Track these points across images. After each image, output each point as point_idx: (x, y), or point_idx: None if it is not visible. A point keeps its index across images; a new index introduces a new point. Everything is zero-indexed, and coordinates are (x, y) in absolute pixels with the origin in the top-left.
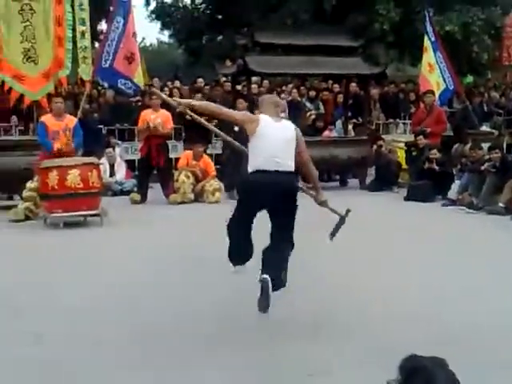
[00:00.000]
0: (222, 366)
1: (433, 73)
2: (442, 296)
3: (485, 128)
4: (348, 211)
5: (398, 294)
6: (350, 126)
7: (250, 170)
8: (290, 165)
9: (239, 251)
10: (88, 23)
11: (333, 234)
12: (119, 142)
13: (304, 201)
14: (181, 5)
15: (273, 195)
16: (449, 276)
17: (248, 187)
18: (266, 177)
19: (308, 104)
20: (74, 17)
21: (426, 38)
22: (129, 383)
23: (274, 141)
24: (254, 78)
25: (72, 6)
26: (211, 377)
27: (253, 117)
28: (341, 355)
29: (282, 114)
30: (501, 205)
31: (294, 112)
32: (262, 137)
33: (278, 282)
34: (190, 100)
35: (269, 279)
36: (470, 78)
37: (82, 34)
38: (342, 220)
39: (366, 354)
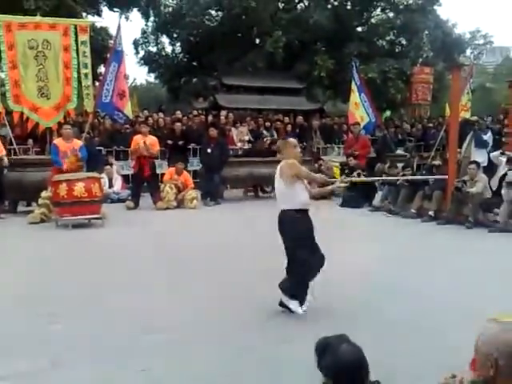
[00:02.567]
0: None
1: (358, 109)
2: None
3: (399, 151)
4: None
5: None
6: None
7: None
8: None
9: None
10: (90, 67)
11: None
12: (115, 161)
13: None
14: (164, 53)
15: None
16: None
17: None
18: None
19: (265, 132)
20: (78, 62)
21: (353, 82)
22: None
23: None
24: (222, 112)
25: (77, 53)
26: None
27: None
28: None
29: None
30: (412, 210)
31: (254, 138)
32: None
33: (283, 288)
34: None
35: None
36: (387, 113)
37: (86, 75)
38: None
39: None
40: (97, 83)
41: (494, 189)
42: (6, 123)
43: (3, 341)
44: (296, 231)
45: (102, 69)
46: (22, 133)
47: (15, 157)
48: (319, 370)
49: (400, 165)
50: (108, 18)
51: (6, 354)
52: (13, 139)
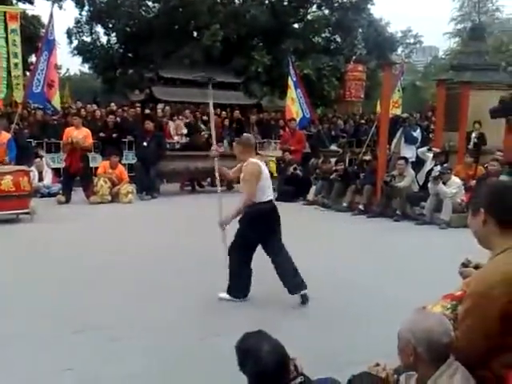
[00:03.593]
0: None
1: (294, 104)
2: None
3: (333, 147)
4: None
5: None
6: (234, 144)
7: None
8: None
9: None
10: (20, 56)
11: None
12: (45, 154)
13: None
14: (98, 44)
15: None
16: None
17: None
18: None
19: (202, 126)
20: (8, 51)
21: (289, 78)
22: None
23: None
24: (159, 105)
25: (6, 42)
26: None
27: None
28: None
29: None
30: (344, 204)
31: (191, 132)
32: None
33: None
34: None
35: None
36: (321, 109)
37: (15, 65)
38: None
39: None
40: (27, 73)
41: (420, 183)
42: None
43: None
44: None
45: (33, 58)
46: None
47: None
48: (242, 371)
49: (333, 160)
50: (40, 7)
51: None
52: None
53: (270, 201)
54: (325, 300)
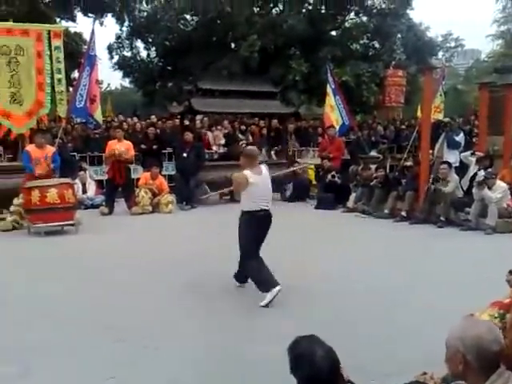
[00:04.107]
0: None
1: (333, 112)
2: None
3: (373, 153)
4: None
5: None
6: (272, 152)
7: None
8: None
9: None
10: (63, 72)
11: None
12: (88, 166)
13: None
14: (138, 58)
15: None
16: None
17: None
18: None
19: (240, 135)
20: (52, 67)
21: (327, 85)
22: None
23: None
24: (197, 116)
25: (50, 59)
26: None
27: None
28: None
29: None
30: (386, 211)
31: (230, 142)
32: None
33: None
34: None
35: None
36: (360, 116)
37: (59, 80)
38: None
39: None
40: (70, 88)
41: (464, 188)
42: None
43: None
44: None
45: (75, 74)
46: None
47: None
48: (293, 375)
49: (373, 166)
50: (82, 24)
51: None
52: None
53: (262, 210)
54: (366, 308)
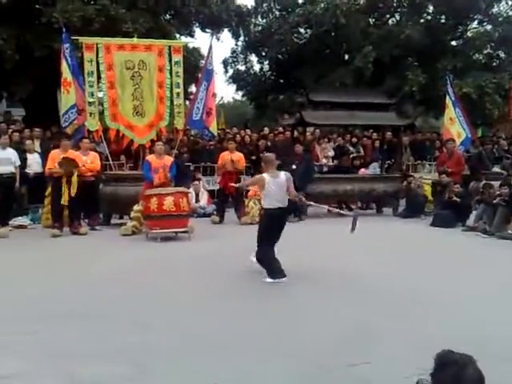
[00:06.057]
0: None
1: (453, 125)
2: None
3: (496, 169)
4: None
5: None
6: (386, 166)
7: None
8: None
9: None
10: (182, 86)
11: (353, 228)
12: (202, 176)
13: None
14: (252, 72)
15: None
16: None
17: None
18: None
19: (351, 148)
20: (171, 81)
21: (447, 97)
22: None
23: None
24: (308, 128)
25: (170, 73)
26: None
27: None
28: None
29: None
30: (510, 232)
31: (340, 154)
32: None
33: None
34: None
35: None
36: (482, 129)
37: (177, 94)
38: (356, 216)
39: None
40: (187, 102)
41: None
42: (103, 140)
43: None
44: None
45: (192, 88)
46: (118, 149)
47: (110, 172)
48: (430, 376)
49: (496, 183)
50: (200, 39)
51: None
52: (109, 155)
53: (278, 208)
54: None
